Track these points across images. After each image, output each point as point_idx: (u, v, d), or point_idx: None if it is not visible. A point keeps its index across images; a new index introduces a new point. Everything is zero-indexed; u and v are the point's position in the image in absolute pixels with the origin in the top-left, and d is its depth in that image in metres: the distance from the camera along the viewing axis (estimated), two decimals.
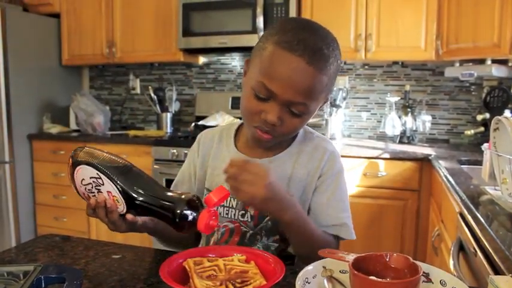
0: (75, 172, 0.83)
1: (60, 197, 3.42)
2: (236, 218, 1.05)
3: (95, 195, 0.82)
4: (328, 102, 3.07)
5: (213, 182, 1.09)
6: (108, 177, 0.81)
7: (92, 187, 0.82)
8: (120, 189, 0.81)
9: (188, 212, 0.76)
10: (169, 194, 0.80)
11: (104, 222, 0.84)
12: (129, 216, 0.81)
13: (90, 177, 0.81)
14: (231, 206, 1.06)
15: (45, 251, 0.99)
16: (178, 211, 0.75)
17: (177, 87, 3.72)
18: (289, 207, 0.90)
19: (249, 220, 1.04)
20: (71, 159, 0.84)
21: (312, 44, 0.89)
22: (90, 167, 0.81)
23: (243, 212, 1.05)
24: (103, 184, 0.80)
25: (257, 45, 0.97)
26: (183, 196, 0.78)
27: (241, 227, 1.05)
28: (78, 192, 0.87)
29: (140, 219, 0.88)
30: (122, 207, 0.80)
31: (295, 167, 1.05)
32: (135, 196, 0.79)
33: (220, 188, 0.77)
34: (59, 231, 2.98)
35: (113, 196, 0.80)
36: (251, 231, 1.04)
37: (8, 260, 0.93)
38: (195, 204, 0.78)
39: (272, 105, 0.92)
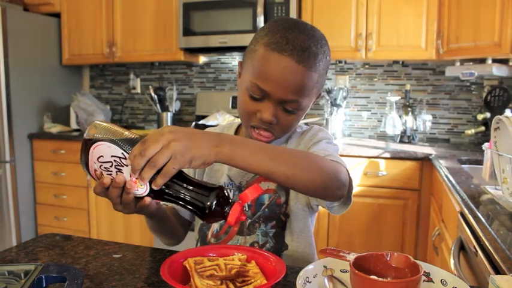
0: (91, 148, 0.77)
1: (60, 196, 3.42)
2: None
3: (111, 174, 0.77)
4: (327, 101, 3.07)
5: (212, 177, 1.13)
6: None
7: (112, 166, 0.77)
8: None
9: (220, 205, 0.74)
10: (200, 183, 0.77)
11: (114, 202, 0.80)
12: (148, 200, 0.78)
13: (112, 156, 0.76)
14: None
15: (45, 251, 0.99)
16: (209, 203, 0.74)
17: (177, 87, 3.72)
18: (223, 140, 0.77)
19: (247, 209, 1.07)
20: (88, 137, 0.78)
21: (300, 43, 0.92)
22: (115, 145, 0.76)
23: (240, 202, 1.06)
24: (127, 165, 0.75)
25: (248, 48, 1.01)
26: (214, 187, 0.76)
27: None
28: (87, 168, 0.80)
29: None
30: (143, 189, 0.76)
31: None
32: (165, 184, 0.75)
33: (256, 186, 0.76)
34: (59, 230, 2.99)
35: (137, 178, 0.75)
36: (250, 220, 1.07)
37: (9, 259, 0.93)
38: (224, 196, 0.76)
39: (266, 104, 0.96)
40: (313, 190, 0.86)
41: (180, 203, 0.76)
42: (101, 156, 0.77)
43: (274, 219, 1.06)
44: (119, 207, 0.81)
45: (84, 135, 0.79)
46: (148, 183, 0.75)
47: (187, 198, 0.75)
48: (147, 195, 0.77)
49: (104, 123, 0.80)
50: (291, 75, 0.92)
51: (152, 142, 0.72)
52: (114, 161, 0.76)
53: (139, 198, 0.78)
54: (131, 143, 0.76)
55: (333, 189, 0.85)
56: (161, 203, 0.93)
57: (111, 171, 0.77)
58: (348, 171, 0.91)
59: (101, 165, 0.78)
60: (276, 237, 1.06)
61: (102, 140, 0.77)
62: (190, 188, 0.76)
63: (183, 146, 0.72)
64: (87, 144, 0.78)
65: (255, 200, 0.76)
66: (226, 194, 0.77)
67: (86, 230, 3.36)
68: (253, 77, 0.95)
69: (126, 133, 0.78)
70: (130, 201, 0.78)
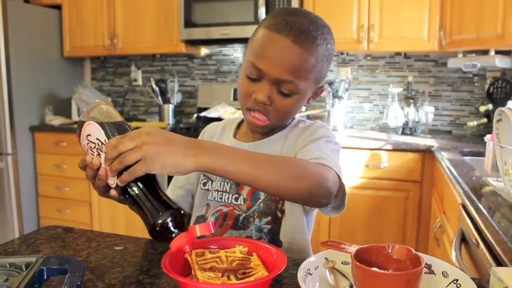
0: (86, 123, 0.80)
1: (62, 188, 3.43)
2: (230, 201, 1.07)
3: (93, 155, 0.79)
4: (329, 93, 3.06)
5: None
6: None
7: (94, 147, 0.78)
8: None
9: (169, 227, 0.72)
10: (162, 198, 0.75)
11: (89, 181, 0.82)
12: (113, 193, 0.78)
13: (97, 138, 0.77)
14: (224, 190, 1.09)
15: (47, 243, 0.99)
16: (159, 221, 0.72)
17: (179, 79, 3.72)
18: (202, 148, 0.75)
19: (242, 203, 1.06)
20: (87, 109, 0.81)
21: (299, 25, 0.93)
22: (102, 131, 0.77)
23: (236, 195, 1.07)
24: (106, 152, 0.76)
25: (254, 32, 1.02)
26: (172, 207, 0.74)
27: (235, 211, 1.06)
28: (79, 139, 0.83)
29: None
30: (112, 181, 0.76)
31: (284, 147, 1.08)
32: (130, 184, 0.75)
33: (207, 225, 0.73)
34: (61, 222, 3.00)
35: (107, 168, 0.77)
36: (244, 214, 1.06)
37: (10, 252, 0.93)
38: (177, 220, 0.74)
39: (262, 84, 0.97)
40: (298, 198, 0.87)
41: (136, 208, 0.76)
42: (89, 135, 0.79)
43: (270, 215, 1.05)
44: (94, 186, 0.82)
45: (85, 109, 0.82)
46: (116, 177, 0.75)
47: (142, 207, 0.74)
48: (114, 188, 0.77)
49: (105, 106, 0.81)
50: (286, 54, 0.92)
51: (128, 139, 0.71)
52: (98, 144, 0.77)
53: (109, 187, 0.79)
54: (117, 132, 0.77)
55: (318, 197, 0.85)
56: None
57: (94, 153, 0.79)
58: (339, 176, 0.91)
59: (88, 143, 0.80)
60: (270, 234, 1.05)
61: (94, 121, 0.78)
62: (150, 198, 0.74)
63: (155, 151, 0.71)
64: (82, 121, 0.81)
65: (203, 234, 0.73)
66: (180, 219, 0.74)
67: (88, 222, 3.37)
68: (251, 56, 0.97)
69: (118, 122, 0.79)
70: (101, 187, 0.79)
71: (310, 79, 0.98)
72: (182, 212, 0.75)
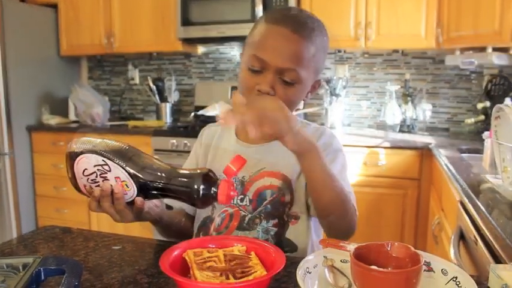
0: (75, 164, 0.79)
1: (60, 188, 3.42)
2: (235, 202, 1.07)
3: (98, 185, 0.78)
4: (327, 91, 3.06)
5: (214, 169, 1.10)
6: (114, 162, 0.78)
7: (97, 176, 0.78)
8: (129, 172, 0.78)
9: (207, 186, 0.74)
10: (183, 171, 0.78)
11: (110, 213, 0.81)
12: (139, 200, 0.78)
13: (94, 166, 0.78)
14: None
15: (45, 243, 0.99)
16: (196, 186, 0.74)
17: (176, 78, 3.71)
18: (311, 148, 0.85)
19: (248, 204, 1.05)
20: (69, 152, 0.81)
21: (297, 18, 0.99)
22: (94, 155, 0.78)
23: (242, 196, 1.06)
24: (110, 170, 0.77)
25: (250, 31, 1.05)
26: (198, 171, 0.77)
27: (240, 211, 1.06)
28: (78, 186, 0.83)
29: (146, 205, 0.86)
30: (131, 192, 0.76)
31: None
32: (147, 177, 0.75)
33: (237, 157, 0.76)
34: (59, 222, 2.98)
35: (122, 181, 0.76)
36: (250, 215, 1.05)
37: (7, 252, 0.93)
38: (210, 177, 0.76)
39: (265, 75, 0.98)
40: (330, 230, 0.97)
41: (170, 194, 0.76)
42: (85, 169, 0.79)
43: (277, 218, 1.05)
44: (116, 217, 0.82)
45: (67, 149, 0.83)
46: (134, 184, 0.76)
47: (174, 187, 0.75)
48: (137, 196, 0.77)
49: (83, 138, 0.83)
50: (287, 43, 0.95)
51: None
52: (98, 170, 0.77)
53: (132, 204, 0.78)
54: (109, 148, 0.78)
55: (346, 237, 0.93)
56: (165, 201, 0.93)
57: (98, 181, 0.78)
58: (355, 207, 0.98)
59: (88, 178, 0.80)
60: (277, 236, 1.04)
61: (82, 153, 0.79)
62: (176, 176, 0.76)
63: (289, 124, 0.80)
64: (71, 163, 0.82)
65: (238, 172, 0.77)
66: (212, 175, 0.77)
67: (86, 221, 3.36)
68: (252, 49, 0.98)
69: (106, 141, 0.80)
70: (124, 208, 0.79)
71: (311, 68, 1.00)
72: (207, 169, 0.78)
